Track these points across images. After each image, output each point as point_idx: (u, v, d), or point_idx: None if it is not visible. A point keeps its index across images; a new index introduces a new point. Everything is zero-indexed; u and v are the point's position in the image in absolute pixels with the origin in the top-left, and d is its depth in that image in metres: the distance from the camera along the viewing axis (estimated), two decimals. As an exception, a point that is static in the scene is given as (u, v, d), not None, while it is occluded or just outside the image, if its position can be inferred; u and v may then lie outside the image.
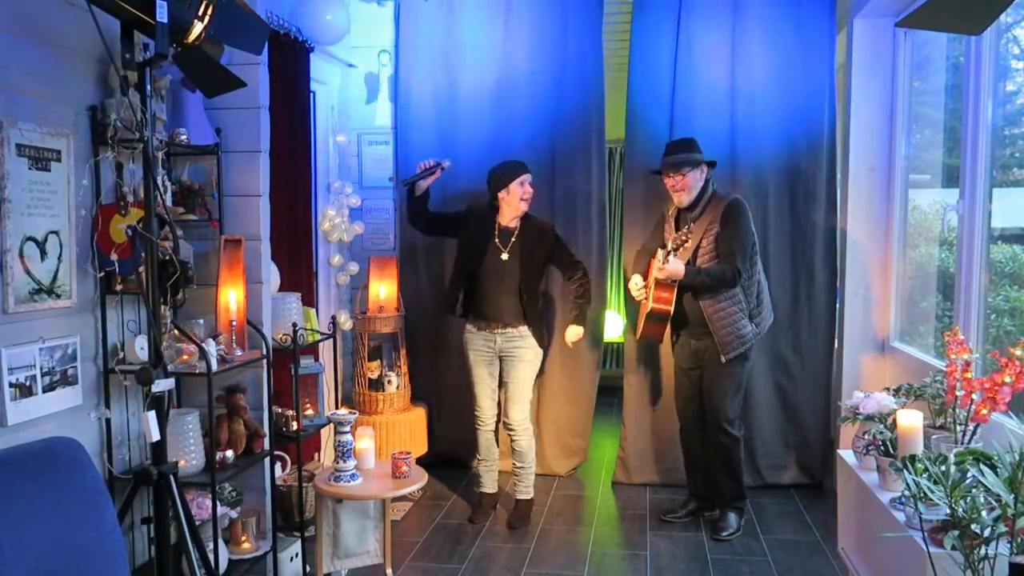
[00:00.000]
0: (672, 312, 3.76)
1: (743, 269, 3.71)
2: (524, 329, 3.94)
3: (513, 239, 3.92)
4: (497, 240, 3.92)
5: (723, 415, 3.83)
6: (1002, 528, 1.76)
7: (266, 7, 3.38)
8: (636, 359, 4.59)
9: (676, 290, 3.75)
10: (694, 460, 4.08)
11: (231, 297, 3.03)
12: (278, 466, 3.39)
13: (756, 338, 3.84)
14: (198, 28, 2.18)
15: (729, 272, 3.68)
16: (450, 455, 4.92)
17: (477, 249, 3.93)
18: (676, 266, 3.64)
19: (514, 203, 3.89)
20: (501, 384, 4.09)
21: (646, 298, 3.88)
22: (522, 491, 4.10)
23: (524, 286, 3.90)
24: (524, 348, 3.96)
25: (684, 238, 3.59)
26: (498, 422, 4.19)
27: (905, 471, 1.94)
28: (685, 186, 3.77)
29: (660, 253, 3.80)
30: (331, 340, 3.80)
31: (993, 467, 1.86)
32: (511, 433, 4.05)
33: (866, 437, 2.72)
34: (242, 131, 3.14)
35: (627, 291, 4.58)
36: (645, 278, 3.93)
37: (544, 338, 4.05)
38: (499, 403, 4.14)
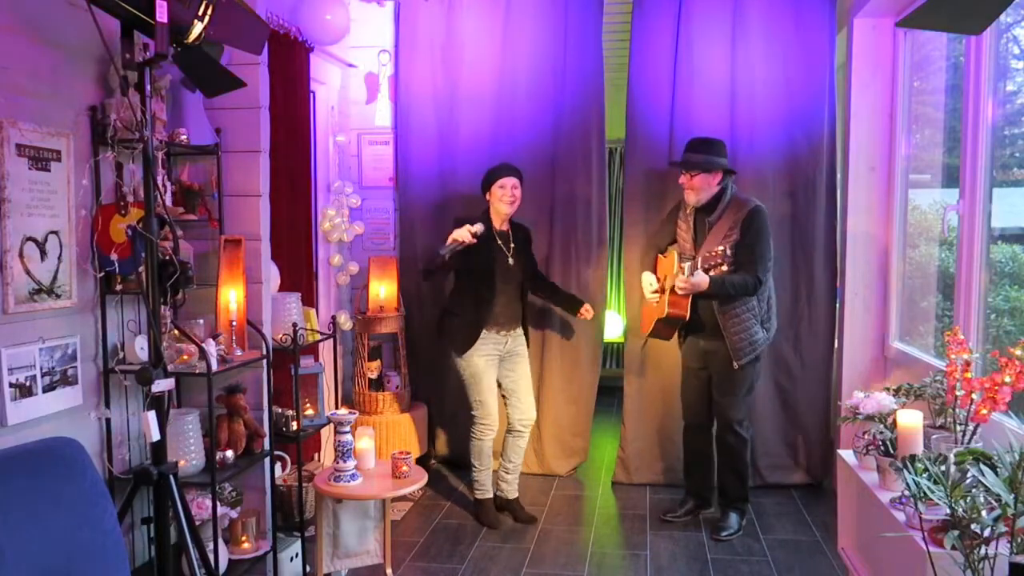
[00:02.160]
0: (688, 317, 3.77)
1: (763, 278, 3.71)
2: (521, 328, 4.06)
3: (512, 244, 3.95)
4: (500, 243, 3.93)
5: (733, 416, 3.83)
6: (1002, 528, 1.76)
7: (266, 7, 3.38)
8: (636, 359, 4.59)
9: (691, 296, 3.75)
10: (696, 459, 4.09)
11: (231, 297, 3.03)
12: (278, 466, 3.39)
13: (766, 343, 3.85)
14: (198, 28, 2.18)
15: (751, 281, 3.67)
16: (450, 455, 4.92)
17: (487, 259, 3.88)
18: (701, 279, 3.63)
19: (496, 205, 3.90)
20: (500, 386, 4.09)
21: (658, 301, 3.87)
22: (515, 489, 4.13)
23: (525, 291, 4.00)
24: (524, 345, 4.07)
25: (718, 260, 3.57)
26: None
27: (905, 471, 1.94)
28: (693, 186, 3.77)
29: (675, 257, 3.79)
30: (331, 340, 3.80)
31: (993, 467, 1.86)
32: (522, 431, 4.06)
33: (866, 437, 2.72)
34: (242, 131, 3.14)
35: (628, 291, 4.59)
36: (658, 276, 3.93)
37: (528, 339, 4.15)
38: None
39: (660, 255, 4.04)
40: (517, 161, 4.57)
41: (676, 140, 4.43)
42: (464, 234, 3.73)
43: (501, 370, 4.03)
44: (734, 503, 3.94)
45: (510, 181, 3.89)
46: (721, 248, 3.64)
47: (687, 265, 3.66)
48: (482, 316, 3.89)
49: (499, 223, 3.93)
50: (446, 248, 3.72)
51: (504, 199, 3.87)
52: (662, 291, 3.85)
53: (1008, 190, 3.05)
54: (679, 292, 3.67)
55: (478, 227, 3.77)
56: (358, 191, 4.74)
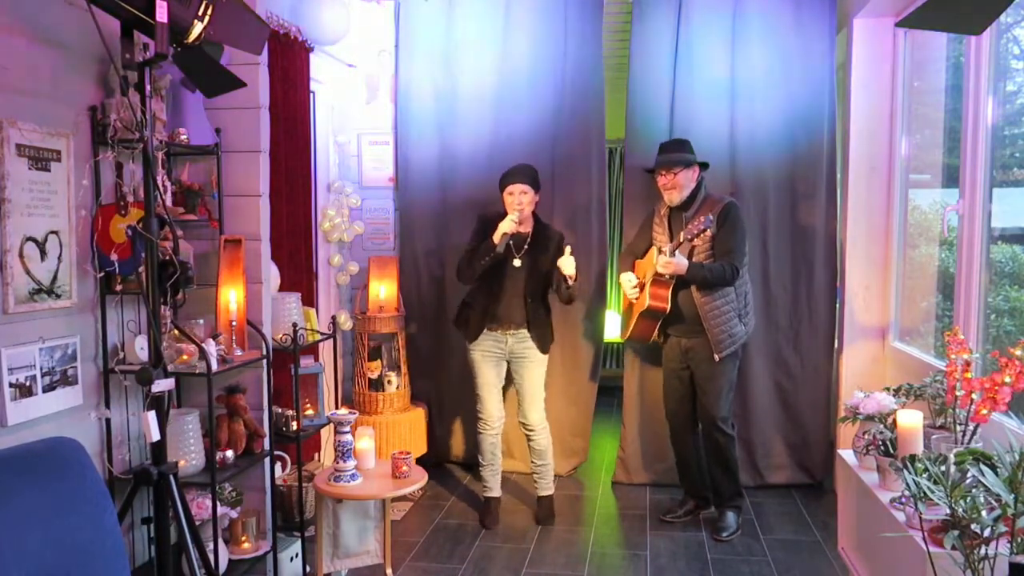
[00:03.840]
0: (668, 310, 3.79)
1: (739, 267, 3.78)
2: (526, 331, 3.97)
3: (525, 246, 3.92)
4: (512, 244, 3.90)
5: (717, 413, 3.85)
6: (1002, 528, 1.76)
7: (266, 7, 3.38)
8: (636, 359, 4.59)
9: (671, 288, 3.78)
10: (687, 461, 4.11)
11: (231, 297, 3.03)
12: (278, 466, 3.39)
13: (744, 338, 3.90)
14: (198, 28, 2.18)
15: (729, 269, 3.73)
16: (450, 455, 4.92)
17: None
18: (681, 261, 3.67)
19: (508, 209, 3.87)
20: (512, 386, 4.10)
21: (639, 296, 3.90)
22: (544, 488, 4.13)
23: (528, 291, 3.92)
24: (534, 349, 3.99)
25: (696, 231, 3.58)
26: (514, 429, 4.17)
27: (905, 471, 1.94)
28: (676, 184, 3.81)
29: (654, 251, 3.82)
30: (331, 340, 3.80)
31: (993, 467, 1.86)
32: (530, 434, 4.05)
33: (866, 437, 2.72)
34: (242, 131, 3.14)
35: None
36: (638, 277, 3.96)
37: (546, 345, 4.02)
38: (505, 406, 4.11)
39: (637, 260, 4.07)
40: (517, 160, 4.56)
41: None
42: (509, 224, 3.76)
43: (511, 372, 4.05)
44: (729, 501, 3.95)
45: (517, 188, 3.85)
46: (686, 225, 3.68)
47: (667, 247, 3.68)
48: (488, 310, 3.93)
49: (523, 219, 3.89)
50: (500, 244, 3.77)
51: (511, 206, 3.84)
52: (642, 287, 3.89)
53: (1008, 190, 3.05)
54: (661, 271, 3.69)
55: (514, 214, 3.79)
56: (358, 191, 4.74)
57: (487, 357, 4.00)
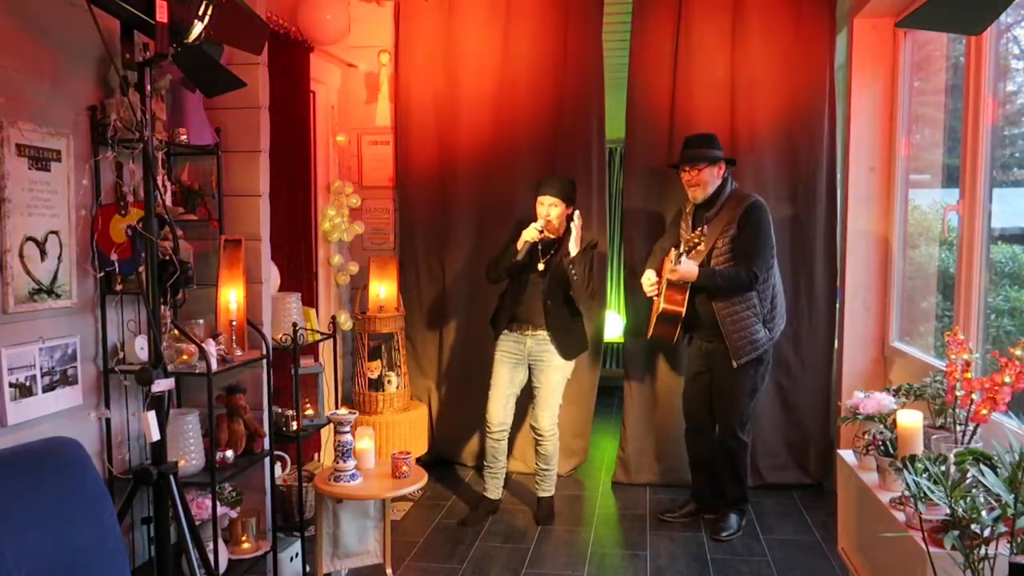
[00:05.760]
0: (684, 314, 3.73)
1: (759, 273, 3.66)
2: (546, 333, 3.95)
3: (552, 253, 3.92)
4: (540, 248, 3.92)
5: (734, 419, 3.80)
6: (1002, 528, 1.76)
7: (266, 7, 3.38)
8: (636, 359, 4.59)
9: (688, 291, 3.71)
10: (698, 463, 4.07)
11: (231, 297, 3.03)
12: (278, 466, 3.39)
13: (769, 343, 3.79)
14: (198, 28, 2.18)
15: (745, 275, 3.63)
16: (449, 455, 4.92)
17: (523, 259, 3.91)
18: (688, 267, 3.60)
19: (537, 217, 3.88)
20: (530, 390, 4.08)
21: (657, 295, 3.84)
22: (545, 489, 4.13)
23: (549, 295, 3.91)
24: (553, 353, 3.96)
25: (697, 240, 3.53)
26: (515, 429, 4.17)
27: (905, 471, 1.94)
28: (700, 181, 3.75)
29: (672, 253, 3.79)
30: (331, 340, 3.80)
31: (993, 467, 1.86)
32: (539, 438, 4.05)
33: (866, 437, 2.72)
34: (242, 131, 3.14)
35: (628, 291, 4.59)
36: (659, 275, 3.90)
37: (569, 352, 3.99)
38: (515, 411, 4.11)
39: (664, 258, 4.03)
40: (517, 161, 4.57)
41: (676, 140, 4.42)
42: (532, 233, 3.81)
43: (530, 375, 4.05)
44: (734, 504, 3.93)
45: (548, 200, 3.86)
46: (700, 227, 3.64)
47: (674, 254, 3.65)
48: (510, 311, 3.98)
49: (551, 231, 3.90)
50: (521, 251, 3.84)
51: (540, 215, 3.86)
52: (659, 285, 3.85)
53: (1008, 190, 3.05)
54: (670, 279, 3.66)
55: (541, 222, 3.83)
56: (358, 191, 4.74)
57: (504, 358, 4.01)
